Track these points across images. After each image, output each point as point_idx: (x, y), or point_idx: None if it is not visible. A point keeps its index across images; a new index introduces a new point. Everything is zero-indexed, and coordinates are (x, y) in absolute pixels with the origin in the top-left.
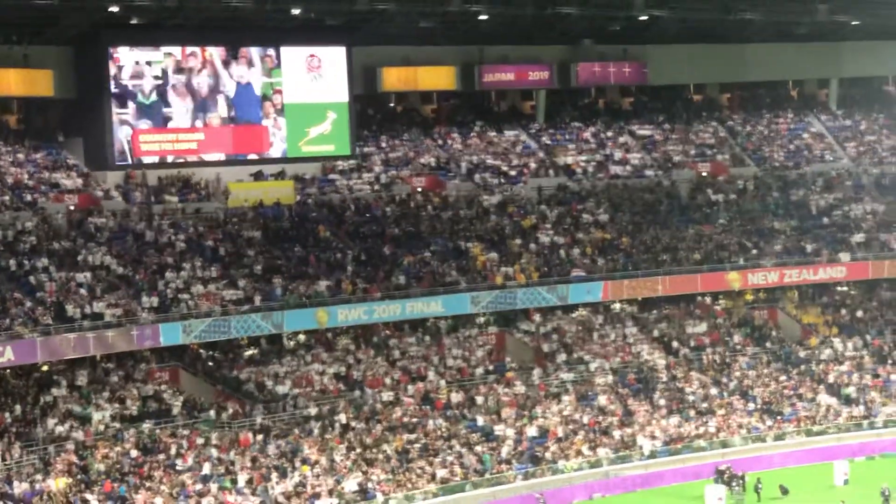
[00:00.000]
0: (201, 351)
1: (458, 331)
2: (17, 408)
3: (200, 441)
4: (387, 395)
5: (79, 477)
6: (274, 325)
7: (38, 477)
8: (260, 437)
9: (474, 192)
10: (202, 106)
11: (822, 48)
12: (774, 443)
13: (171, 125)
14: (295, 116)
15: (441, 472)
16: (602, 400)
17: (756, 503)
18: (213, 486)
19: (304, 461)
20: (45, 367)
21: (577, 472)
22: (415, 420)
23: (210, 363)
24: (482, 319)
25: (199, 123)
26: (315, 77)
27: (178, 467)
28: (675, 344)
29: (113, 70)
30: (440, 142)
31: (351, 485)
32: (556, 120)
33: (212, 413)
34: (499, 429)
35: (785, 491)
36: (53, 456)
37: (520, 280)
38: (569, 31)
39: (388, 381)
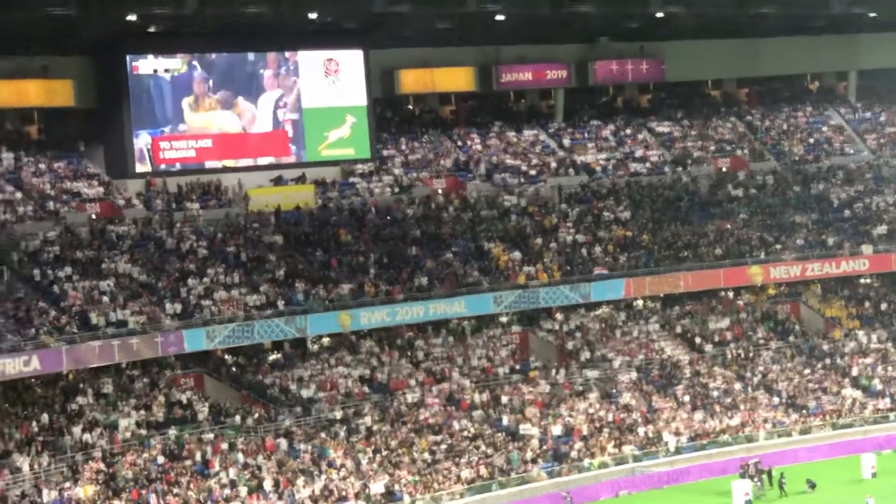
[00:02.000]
0: (226, 356)
1: (481, 331)
2: (44, 416)
3: (226, 446)
4: (411, 397)
5: (106, 484)
6: (297, 330)
7: (67, 485)
8: (286, 440)
9: (495, 193)
10: (221, 112)
11: (839, 41)
12: (800, 437)
13: (190, 132)
14: (314, 120)
15: (467, 473)
16: (626, 397)
17: (781, 498)
18: (242, 491)
19: (331, 464)
20: (70, 376)
21: (602, 469)
22: (440, 421)
23: (234, 368)
24: (505, 319)
25: (218, 129)
26: (333, 81)
27: (205, 473)
28: (698, 340)
29: (132, 78)
30: (459, 143)
31: (378, 487)
32: (575, 118)
33: (237, 418)
34: (524, 428)
35: (812, 485)
36: (81, 464)
37: (542, 279)
38: (585, 29)
39: (412, 382)
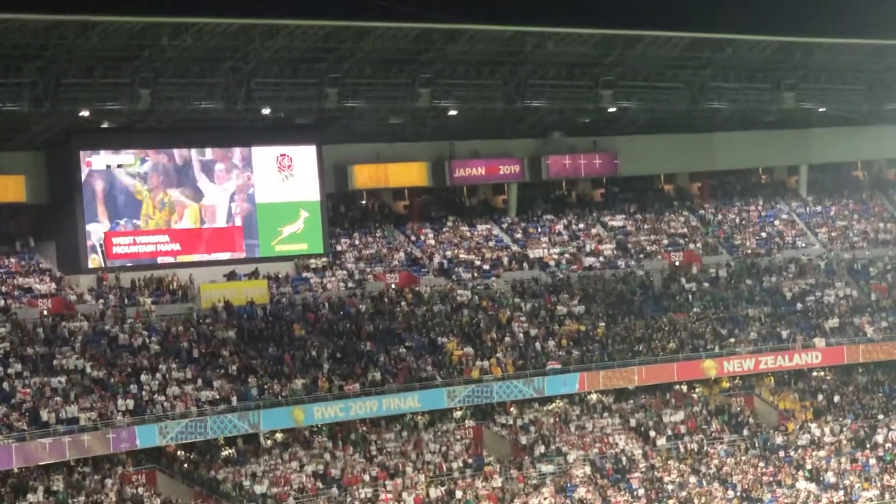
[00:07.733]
0: (178, 452)
1: (435, 426)
2: None
3: None
4: (365, 493)
5: None
6: (250, 425)
7: None
8: None
9: (448, 287)
10: (174, 208)
11: (790, 135)
12: None
13: (143, 227)
14: (267, 216)
15: None
16: (581, 491)
17: None
18: None
19: None
20: (20, 473)
21: None
22: None
23: (187, 464)
24: (459, 414)
25: (171, 225)
26: (286, 176)
27: None
28: (652, 433)
29: (84, 174)
30: (413, 238)
31: None
32: (528, 213)
33: None
34: None
35: None
36: None
37: (496, 374)
38: (538, 124)
39: (366, 477)
